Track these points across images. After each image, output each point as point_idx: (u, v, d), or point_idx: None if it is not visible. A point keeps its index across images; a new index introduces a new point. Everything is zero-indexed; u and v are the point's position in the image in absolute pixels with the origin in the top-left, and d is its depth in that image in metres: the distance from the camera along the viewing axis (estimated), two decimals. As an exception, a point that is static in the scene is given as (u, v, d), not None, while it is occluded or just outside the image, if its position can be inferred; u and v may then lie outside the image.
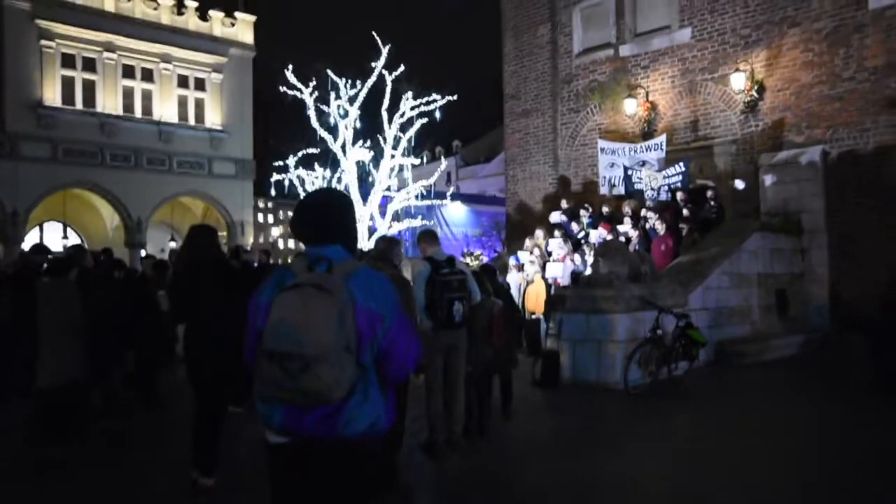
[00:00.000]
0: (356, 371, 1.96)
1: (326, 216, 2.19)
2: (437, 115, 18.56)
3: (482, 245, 31.67)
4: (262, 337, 1.98)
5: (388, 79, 18.14)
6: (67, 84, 22.30)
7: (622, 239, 11.15)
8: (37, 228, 23.23)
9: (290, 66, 18.25)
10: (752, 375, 9.02)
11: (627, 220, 12.07)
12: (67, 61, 22.40)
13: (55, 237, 23.13)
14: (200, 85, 24.51)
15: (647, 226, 11.58)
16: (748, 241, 11.04)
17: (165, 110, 23.53)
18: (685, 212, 11.72)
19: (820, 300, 12.06)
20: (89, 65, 22.69)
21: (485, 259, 28.34)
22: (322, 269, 2.04)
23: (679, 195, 12.19)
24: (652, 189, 13.06)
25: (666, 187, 12.75)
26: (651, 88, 14.66)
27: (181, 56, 23.96)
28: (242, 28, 25.64)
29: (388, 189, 19.00)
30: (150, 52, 23.45)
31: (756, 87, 13.00)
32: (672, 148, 13.61)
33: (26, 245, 20.39)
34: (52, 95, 21.88)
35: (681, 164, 12.64)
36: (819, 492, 4.53)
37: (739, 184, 13.04)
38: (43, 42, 21.76)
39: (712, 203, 12.05)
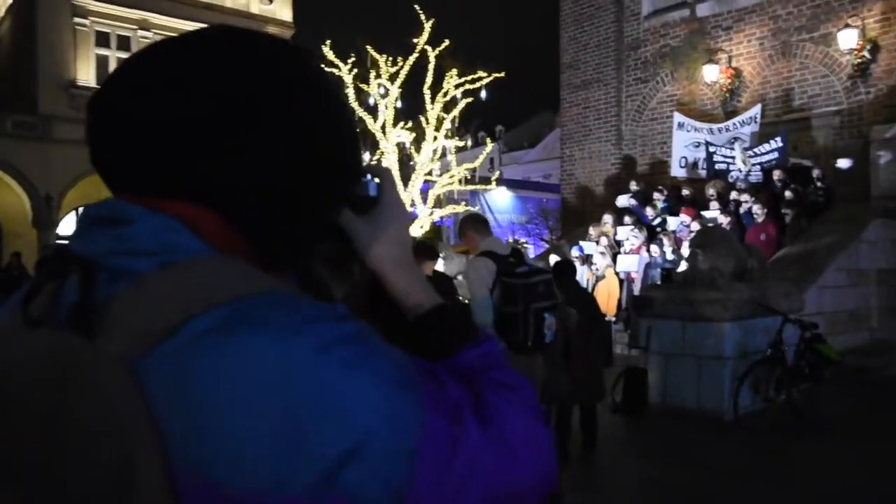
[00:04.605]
0: None
1: (168, 104, 0.57)
2: (483, 94, 17.29)
3: (528, 233, 30.16)
4: None
5: (431, 55, 16.81)
6: (102, 63, 21.64)
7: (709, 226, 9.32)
8: (72, 213, 22.61)
9: (328, 42, 17.08)
10: (885, 398, 7.17)
11: (714, 204, 10.21)
12: (101, 40, 21.76)
13: (90, 223, 22.56)
14: (237, 64, 23.53)
15: (741, 210, 9.71)
16: (868, 231, 9.10)
17: (200, 91, 22.60)
18: (787, 194, 9.80)
19: (948, 301, 10.01)
20: (124, 43, 22.00)
21: (531, 248, 26.73)
22: (62, 311, 0.53)
23: (776, 174, 10.28)
24: (738, 170, 11.16)
25: (758, 167, 10.83)
26: (734, 53, 12.68)
27: (217, 34, 23.00)
28: (281, 4, 24.48)
29: (430, 173, 17.69)
30: (186, 30, 22.38)
31: (868, 47, 10.91)
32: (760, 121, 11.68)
33: (61, 230, 19.91)
34: (85, 75, 21.25)
35: (777, 138, 10.72)
36: None
37: (844, 162, 10.98)
38: (76, 20, 21.18)
39: (819, 184, 10.10)
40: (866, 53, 10.92)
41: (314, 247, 0.68)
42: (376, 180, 0.70)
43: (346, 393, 0.50)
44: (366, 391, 0.51)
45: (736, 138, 11.48)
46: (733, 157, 11.27)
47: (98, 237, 0.57)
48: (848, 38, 10.97)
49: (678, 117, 12.57)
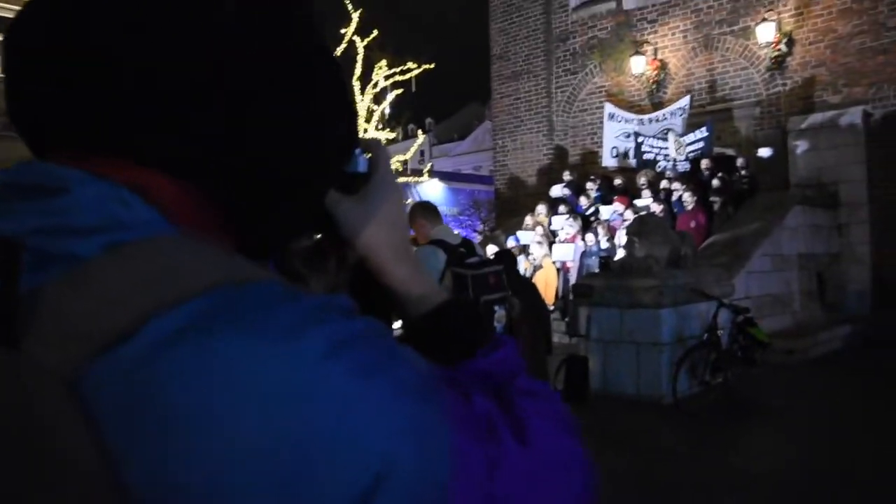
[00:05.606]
0: None
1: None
2: (413, 86, 17.29)
3: (461, 224, 30.35)
4: None
5: (360, 45, 16.59)
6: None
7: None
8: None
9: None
10: (810, 378, 7.45)
11: (646, 192, 10.39)
12: (-2, 23, 20.09)
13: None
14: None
15: (673, 199, 9.91)
16: (789, 217, 9.46)
17: (111, 79, 21.38)
18: (715, 182, 10.07)
19: (860, 284, 10.57)
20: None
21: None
22: None
23: (704, 163, 10.55)
24: (665, 159, 11.41)
25: (684, 156, 11.10)
26: (660, 45, 12.95)
27: (128, 18, 21.81)
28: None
29: (361, 165, 17.47)
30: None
31: (785, 41, 11.35)
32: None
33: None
34: (-22, 61, 19.59)
35: (703, 128, 10.99)
36: None
37: (765, 151, 11.39)
38: (-35, 1, 19.38)
39: (743, 172, 10.43)
40: (783, 47, 11.36)
41: (303, 233, 0.59)
42: (367, 155, 0.60)
43: (365, 408, 0.39)
44: (387, 405, 0.40)
45: (668, 129, 11.71)
46: (661, 148, 11.50)
47: (20, 211, 0.42)
48: (765, 32, 11.38)
49: (609, 108, 12.73)
